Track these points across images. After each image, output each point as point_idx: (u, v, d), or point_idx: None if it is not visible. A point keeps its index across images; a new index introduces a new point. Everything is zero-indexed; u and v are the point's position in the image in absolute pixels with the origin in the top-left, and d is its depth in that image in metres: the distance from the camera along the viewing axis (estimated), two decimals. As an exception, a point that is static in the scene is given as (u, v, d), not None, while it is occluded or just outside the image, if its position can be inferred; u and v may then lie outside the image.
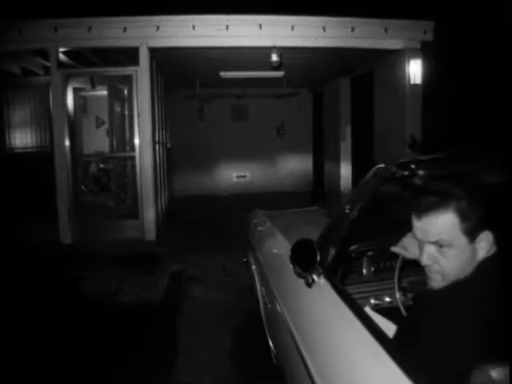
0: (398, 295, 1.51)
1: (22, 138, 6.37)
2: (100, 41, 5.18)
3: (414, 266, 1.42)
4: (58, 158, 5.36)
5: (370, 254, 1.77)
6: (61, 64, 5.37)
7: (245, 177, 9.99)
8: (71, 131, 5.56)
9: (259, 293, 2.41)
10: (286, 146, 9.86)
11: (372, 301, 1.63)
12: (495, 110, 4.96)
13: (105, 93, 6.50)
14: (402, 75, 5.68)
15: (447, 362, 0.94)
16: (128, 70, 5.53)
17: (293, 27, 5.24)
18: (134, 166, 5.68)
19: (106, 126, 7.28)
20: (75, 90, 6.22)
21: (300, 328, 1.55)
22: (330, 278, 1.44)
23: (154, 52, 5.51)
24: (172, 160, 8.48)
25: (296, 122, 9.79)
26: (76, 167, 5.81)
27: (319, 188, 9.47)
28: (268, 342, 2.27)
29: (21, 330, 3.01)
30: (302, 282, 1.51)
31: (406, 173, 1.31)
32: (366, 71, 6.99)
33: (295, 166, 10.06)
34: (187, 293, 3.78)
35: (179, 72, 7.18)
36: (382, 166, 1.40)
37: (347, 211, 1.48)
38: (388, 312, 1.47)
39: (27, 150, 6.32)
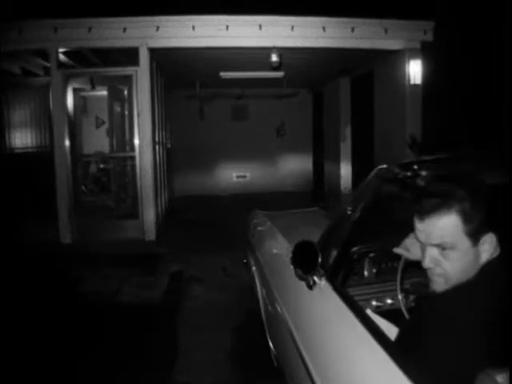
0: (400, 297, 1.49)
1: (22, 138, 6.38)
2: (100, 41, 5.18)
3: (416, 268, 1.41)
4: (58, 158, 5.36)
5: (371, 255, 1.75)
6: (61, 64, 5.37)
7: (245, 177, 9.99)
8: (71, 131, 5.56)
9: (259, 294, 2.40)
10: (285, 146, 9.86)
11: (373, 303, 1.61)
12: (495, 110, 4.96)
13: (105, 93, 6.50)
14: (402, 75, 5.68)
15: (450, 365, 0.93)
16: (128, 70, 5.54)
17: (293, 27, 5.25)
18: (133, 166, 5.68)
19: (106, 126, 7.28)
20: (75, 91, 6.21)
21: (301, 330, 1.54)
22: (331, 280, 1.43)
23: (153, 52, 5.51)
24: (172, 160, 8.48)
25: (296, 123, 9.79)
26: (76, 167, 5.81)
27: (319, 188, 9.47)
28: (268, 342, 2.27)
29: (21, 330, 3.01)
30: (302, 283, 1.50)
31: (409, 173, 1.29)
32: (365, 71, 6.99)
33: (295, 166, 10.07)
34: (187, 293, 3.78)
35: (179, 72, 7.18)
36: (384, 166, 1.39)
37: (349, 212, 1.47)
38: (390, 314, 1.46)
39: (27, 150, 6.33)
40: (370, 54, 6.00)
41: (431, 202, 1.03)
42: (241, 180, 9.97)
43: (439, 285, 1.06)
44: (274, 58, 5.28)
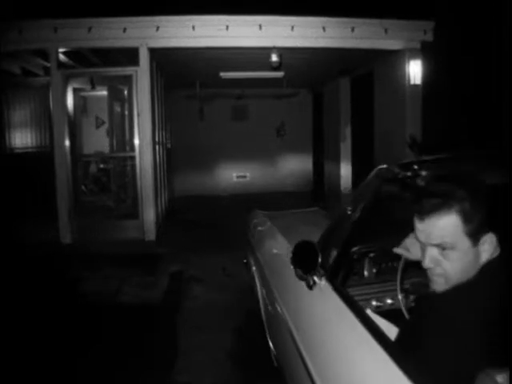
0: (400, 297, 1.49)
1: (22, 138, 6.39)
2: (100, 41, 5.18)
3: (416, 268, 1.40)
4: (58, 158, 5.36)
5: (371, 255, 1.75)
6: (61, 64, 5.37)
7: (245, 177, 9.99)
8: (71, 131, 5.56)
9: (259, 294, 2.40)
10: (285, 146, 9.86)
11: (373, 303, 1.61)
12: (495, 110, 4.96)
13: (105, 93, 6.50)
14: (402, 75, 5.68)
15: (450, 365, 0.93)
16: (128, 71, 5.54)
17: (293, 27, 5.25)
18: (133, 166, 5.68)
19: (106, 126, 7.29)
20: (75, 91, 6.22)
21: (301, 330, 1.54)
22: (331, 280, 1.43)
23: (153, 52, 5.51)
24: (172, 160, 8.48)
25: (296, 123, 9.80)
26: (76, 167, 5.81)
27: (319, 188, 9.47)
28: (268, 343, 2.27)
29: (21, 330, 3.01)
30: (302, 283, 1.50)
31: (409, 173, 1.29)
32: (366, 71, 6.99)
33: (295, 166, 10.07)
34: (187, 293, 3.78)
35: (179, 72, 7.18)
36: (385, 166, 1.39)
37: (349, 212, 1.47)
38: (389, 314, 1.46)
39: (27, 150, 6.34)
40: (370, 54, 6.00)
41: (431, 201, 1.02)
42: (241, 180, 9.97)
43: (439, 285, 1.06)
44: (274, 57, 5.28)
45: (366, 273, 1.76)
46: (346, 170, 8.14)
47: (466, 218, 1.00)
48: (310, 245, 1.46)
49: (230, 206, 8.10)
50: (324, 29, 5.28)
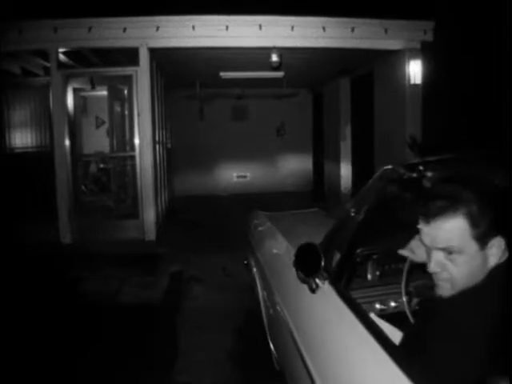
0: (404, 300, 1.46)
1: (22, 138, 6.39)
2: (100, 41, 5.18)
3: (420, 270, 1.38)
4: (58, 158, 5.36)
5: (374, 257, 1.71)
6: (61, 64, 5.37)
7: (245, 177, 9.99)
8: (71, 131, 5.56)
9: (260, 296, 2.39)
10: (286, 146, 9.86)
11: (377, 306, 1.58)
12: (495, 110, 4.96)
13: (105, 93, 6.50)
14: (402, 75, 5.68)
15: (456, 370, 0.91)
16: (128, 70, 5.54)
17: (293, 27, 5.24)
18: (134, 166, 5.68)
19: (106, 125, 7.29)
20: (75, 91, 6.22)
21: (303, 332, 1.52)
22: (334, 284, 1.39)
23: (153, 52, 5.51)
24: (172, 160, 8.48)
25: (296, 123, 9.79)
26: (76, 167, 5.82)
27: (319, 188, 9.47)
28: (269, 345, 2.26)
29: (21, 330, 3.01)
30: (304, 286, 1.48)
31: (414, 174, 1.27)
32: (366, 71, 6.99)
33: (295, 166, 10.07)
34: (187, 293, 3.78)
35: (179, 72, 7.18)
36: (390, 167, 1.36)
37: (353, 214, 1.44)
38: (393, 317, 1.43)
39: (27, 150, 6.34)
40: (370, 54, 6.00)
41: (437, 204, 0.99)
42: (241, 180, 9.98)
43: (445, 290, 1.03)
44: (274, 58, 5.28)
45: (369, 275, 1.73)
46: (346, 170, 8.14)
47: (474, 222, 0.97)
48: (313, 247, 1.44)
49: (230, 206, 8.10)
50: (324, 29, 5.28)
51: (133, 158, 5.65)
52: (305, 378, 1.37)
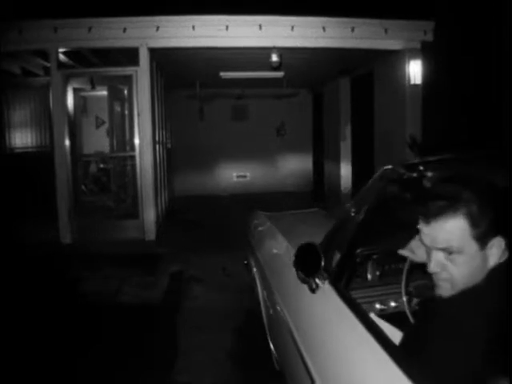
0: (404, 300, 1.46)
1: (22, 138, 6.39)
2: (100, 41, 5.18)
3: (420, 270, 1.38)
4: (58, 158, 5.36)
5: (375, 257, 1.71)
6: (61, 64, 5.37)
7: (245, 177, 9.99)
8: (71, 131, 5.56)
9: (260, 296, 2.39)
10: (286, 146, 9.86)
11: (377, 306, 1.58)
12: (495, 110, 4.96)
13: (105, 93, 6.50)
14: (402, 75, 5.68)
15: (456, 369, 0.91)
16: (128, 70, 5.54)
17: (293, 27, 5.25)
18: (134, 166, 5.68)
19: (106, 125, 7.29)
20: (75, 91, 6.22)
21: (303, 333, 1.51)
22: (334, 284, 1.40)
23: (153, 52, 5.51)
24: (172, 160, 8.48)
25: (296, 122, 9.80)
26: (76, 167, 5.82)
27: (319, 188, 9.47)
28: (269, 345, 2.25)
29: (21, 330, 3.01)
30: (304, 286, 1.48)
31: (414, 174, 1.26)
32: (366, 71, 6.99)
33: (295, 166, 10.07)
34: (187, 293, 3.78)
35: (179, 72, 7.18)
36: (390, 167, 1.36)
37: (353, 214, 1.44)
38: (393, 317, 1.43)
39: (27, 150, 6.34)
40: (370, 54, 6.00)
41: (437, 204, 0.99)
42: (241, 180, 9.98)
43: (445, 290, 1.03)
44: (274, 58, 5.28)
45: (369, 275, 1.73)
46: (346, 170, 8.14)
47: (474, 222, 0.96)
48: (313, 247, 1.44)
49: (230, 206, 8.10)
50: (324, 29, 5.28)
51: (133, 158, 5.65)
52: (305, 378, 1.37)
